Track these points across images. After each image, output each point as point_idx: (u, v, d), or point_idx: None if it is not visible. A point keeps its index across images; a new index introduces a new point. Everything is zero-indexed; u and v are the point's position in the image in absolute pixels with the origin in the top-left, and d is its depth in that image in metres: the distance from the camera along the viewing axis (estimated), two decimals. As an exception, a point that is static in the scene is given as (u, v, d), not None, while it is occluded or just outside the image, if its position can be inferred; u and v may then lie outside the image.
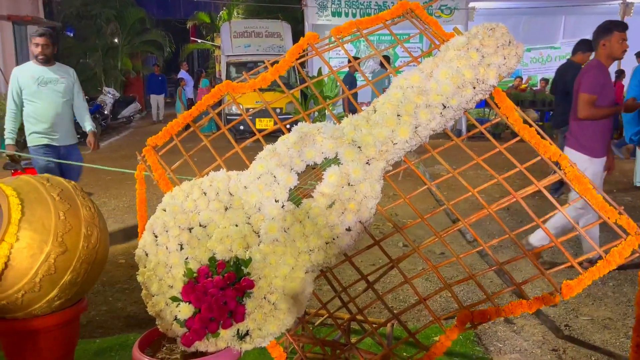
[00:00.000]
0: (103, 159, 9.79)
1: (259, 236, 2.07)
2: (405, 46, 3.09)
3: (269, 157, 2.14)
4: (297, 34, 14.93)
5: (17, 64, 12.97)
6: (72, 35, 17.10)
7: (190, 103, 14.18)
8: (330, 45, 2.54)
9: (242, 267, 2.04)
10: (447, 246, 2.03)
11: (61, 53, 16.28)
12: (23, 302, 2.25)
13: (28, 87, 4.46)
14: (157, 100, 16.02)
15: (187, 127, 2.48)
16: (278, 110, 11.20)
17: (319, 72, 11.69)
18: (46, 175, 2.51)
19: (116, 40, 17.21)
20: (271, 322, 2.01)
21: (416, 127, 2.05)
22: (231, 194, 2.14)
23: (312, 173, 2.25)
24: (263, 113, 11.03)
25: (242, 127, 11.81)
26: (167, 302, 2.08)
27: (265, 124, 11.10)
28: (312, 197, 2.08)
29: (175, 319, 2.04)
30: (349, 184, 2.03)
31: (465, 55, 2.06)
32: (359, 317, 2.31)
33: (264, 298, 2.02)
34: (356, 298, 2.24)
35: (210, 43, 18.26)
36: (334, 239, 2.02)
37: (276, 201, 2.08)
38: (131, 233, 5.10)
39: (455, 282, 2.07)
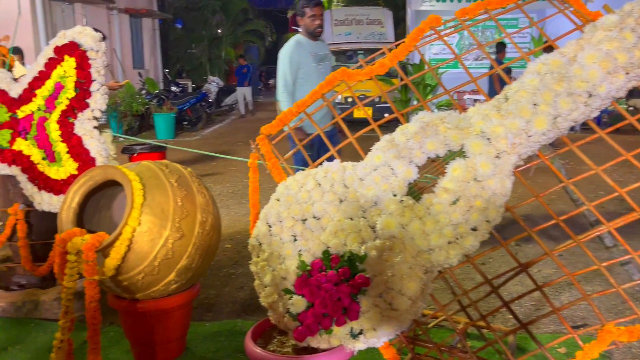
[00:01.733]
0: (207, 145, 10.20)
1: (374, 231, 1.97)
2: (514, 33, 2.79)
3: (387, 148, 2.02)
4: (399, 20, 14.61)
5: (133, 55, 13.87)
6: (180, 26, 18.00)
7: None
8: (446, 31, 2.36)
9: (357, 263, 1.95)
10: (587, 253, 1.80)
11: (171, 43, 17.21)
12: (143, 284, 2.33)
13: (306, 65, 3.75)
14: (243, 93, 15.03)
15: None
16: (377, 99, 11.00)
17: (421, 60, 11.33)
18: (165, 161, 2.58)
19: (220, 31, 17.87)
20: (386, 323, 1.90)
21: (555, 118, 1.84)
22: (346, 186, 2.05)
23: (432, 166, 2.11)
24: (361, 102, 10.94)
25: (340, 116, 11.77)
26: (280, 293, 2.04)
27: (363, 113, 10.98)
28: (433, 192, 1.94)
29: (288, 311, 2.00)
30: (475, 180, 1.87)
31: (618, 36, 1.80)
32: (479, 322, 2.15)
33: (380, 297, 1.92)
34: (477, 302, 2.07)
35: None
36: (457, 238, 1.87)
37: (394, 195, 1.96)
38: (236, 218, 5.22)
39: (597, 294, 1.84)
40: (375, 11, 13.45)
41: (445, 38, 2.23)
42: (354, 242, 1.98)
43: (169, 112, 11.26)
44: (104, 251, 2.24)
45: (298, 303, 1.96)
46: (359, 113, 10.99)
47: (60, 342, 2.18)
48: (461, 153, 1.91)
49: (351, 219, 2.00)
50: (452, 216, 1.87)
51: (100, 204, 2.61)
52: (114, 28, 12.82)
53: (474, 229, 1.86)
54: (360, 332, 1.93)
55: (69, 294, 2.20)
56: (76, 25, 3.10)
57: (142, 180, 2.33)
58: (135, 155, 5.60)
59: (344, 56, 13.06)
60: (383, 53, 2.31)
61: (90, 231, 2.35)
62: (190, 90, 14.41)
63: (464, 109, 2.06)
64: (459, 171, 1.88)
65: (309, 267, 2.00)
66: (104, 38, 3.11)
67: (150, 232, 2.27)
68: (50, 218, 3.40)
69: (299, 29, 4.04)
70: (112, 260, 2.21)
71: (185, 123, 12.33)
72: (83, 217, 2.49)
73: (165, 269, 2.32)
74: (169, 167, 2.48)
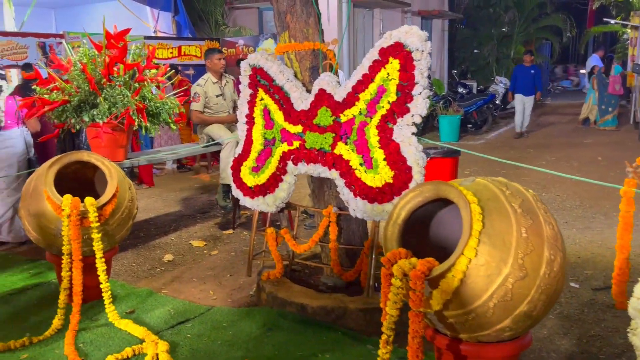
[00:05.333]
0: (493, 150, 9.53)
1: None
2: None
3: None
4: None
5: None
6: (463, 26, 17.53)
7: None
8: None
9: None
10: None
11: (457, 44, 16.91)
12: (471, 325, 1.97)
13: None
14: (522, 102, 10.87)
15: None
16: None
17: None
18: (502, 179, 2.16)
19: (508, 29, 16.74)
20: None
21: None
22: None
23: None
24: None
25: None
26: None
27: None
28: None
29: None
30: None
31: None
32: None
33: None
34: None
35: (622, 23, 15.77)
36: None
37: None
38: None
39: None
40: None
41: None
42: None
43: (455, 114, 10.92)
44: (432, 280, 1.95)
45: None
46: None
47: (378, 374, 1.98)
48: None
49: None
50: None
51: (422, 219, 2.35)
52: (406, 31, 13.08)
53: None
54: None
55: (391, 322, 1.97)
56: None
57: (480, 202, 1.96)
58: (428, 159, 5.39)
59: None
60: None
61: (413, 251, 2.10)
62: (474, 91, 13.83)
63: None
64: None
65: None
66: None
67: (487, 267, 1.89)
68: (358, 223, 3.37)
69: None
70: (442, 293, 1.90)
71: (470, 126, 11.83)
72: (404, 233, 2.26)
73: (500, 313, 1.91)
74: (509, 187, 2.06)
